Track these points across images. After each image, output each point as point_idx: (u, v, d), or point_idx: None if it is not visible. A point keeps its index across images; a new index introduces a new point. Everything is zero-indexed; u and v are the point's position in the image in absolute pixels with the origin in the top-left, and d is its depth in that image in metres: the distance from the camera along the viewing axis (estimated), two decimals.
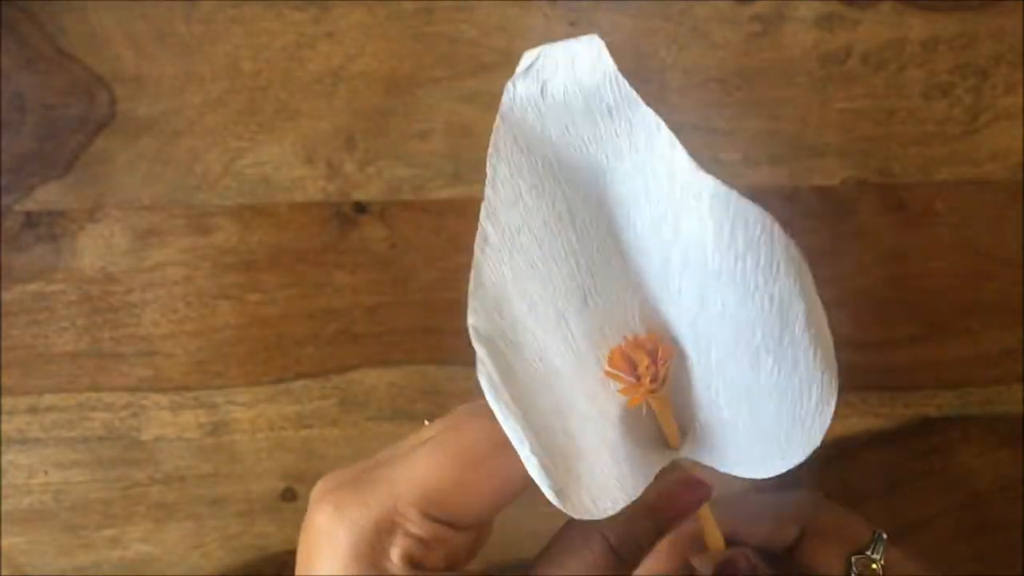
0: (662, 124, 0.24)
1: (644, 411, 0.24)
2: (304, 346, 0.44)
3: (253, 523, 0.44)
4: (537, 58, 0.24)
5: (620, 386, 0.24)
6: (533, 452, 0.22)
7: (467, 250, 0.43)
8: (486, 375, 0.22)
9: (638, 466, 0.24)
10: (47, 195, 0.43)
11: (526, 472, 0.23)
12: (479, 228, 0.24)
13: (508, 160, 0.25)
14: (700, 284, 0.23)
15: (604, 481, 0.23)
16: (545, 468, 0.22)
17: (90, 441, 0.43)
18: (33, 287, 0.43)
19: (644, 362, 0.23)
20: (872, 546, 0.28)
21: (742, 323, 0.23)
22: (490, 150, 0.25)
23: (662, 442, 0.25)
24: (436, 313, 0.44)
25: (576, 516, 0.23)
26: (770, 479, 0.23)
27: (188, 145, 0.43)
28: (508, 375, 0.22)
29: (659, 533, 0.24)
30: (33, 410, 0.43)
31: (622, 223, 0.25)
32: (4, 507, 0.43)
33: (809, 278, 0.23)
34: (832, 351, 0.25)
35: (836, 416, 0.44)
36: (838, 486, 0.44)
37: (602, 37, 0.43)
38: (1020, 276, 0.44)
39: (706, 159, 0.43)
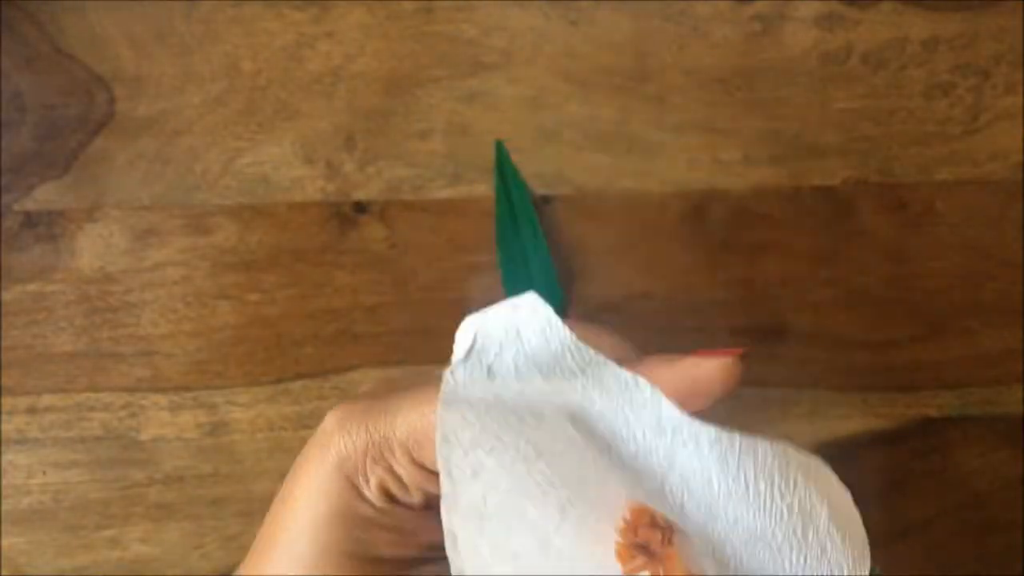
0: (640, 380, 0.22)
1: None
2: (304, 346, 0.44)
3: (253, 524, 0.44)
4: (474, 340, 0.22)
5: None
6: None
7: (467, 250, 0.44)
8: None
9: None
10: (46, 195, 0.43)
11: None
12: (445, 529, 0.20)
13: (459, 443, 0.21)
14: (707, 504, 0.22)
15: None
16: None
17: (89, 441, 0.43)
18: (32, 287, 0.43)
19: (657, 539, 0.21)
20: None
21: (760, 529, 0.22)
22: (437, 440, 0.21)
23: None
24: (436, 313, 0.44)
25: None
26: None
27: (187, 145, 0.43)
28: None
29: None
30: (32, 410, 0.43)
31: (601, 450, 0.22)
32: (3, 507, 0.43)
33: (829, 475, 0.23)
34: (861, 529, 0.23)
35: (836, 416, 0.44)
36: None
37: (602, 36, 0.43)
38: (1021, 276, 0.44)
39: (706, 159, 0.44)
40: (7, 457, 0.43)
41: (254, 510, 0.44)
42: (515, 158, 0.44)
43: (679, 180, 0.44)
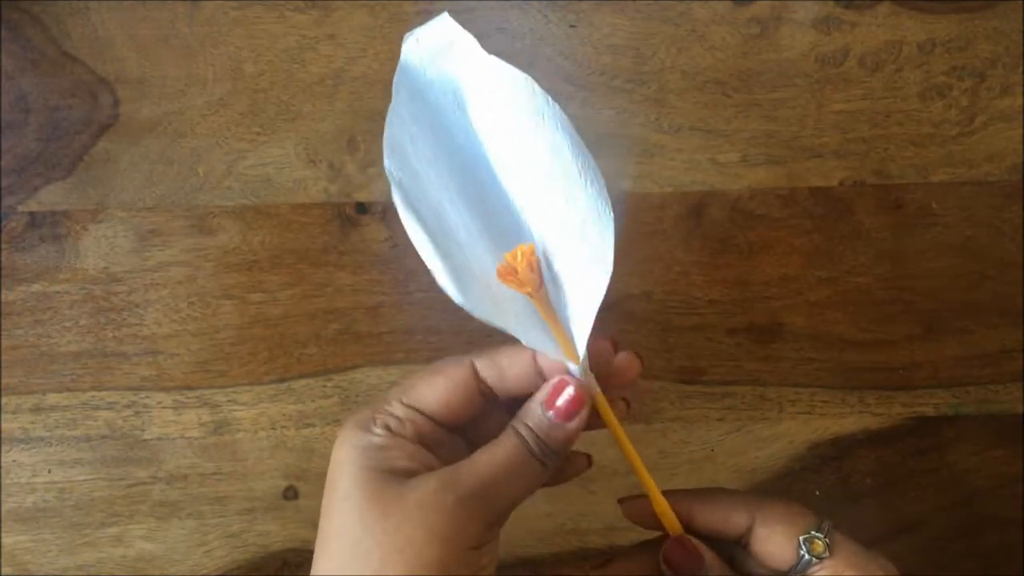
0: (470, 42, 0.31)
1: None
2: (306, 346, 0.44)
3: (255, 521, 0.44)
4: (423, 33, 0.31)
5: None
6: (436, 253, 0.28)
7: None
8: (399, 196, 0.29)
9: (538, 326, 0.29)
10: (51, 196, 0.43)
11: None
12: (391, 105, 0.30)
13: (409, 87, 0.30)
14: (517, 159, 0.30)
15: (502, 304, 0.29)
16: (438, 254, 0.28)
17: (93, 440, 0.44)
18: (37, 287, 0.44)
19: (520, 264, 0.28)
20: (819, 528, 0.30)
21: (542, 172, 0.30)
22: (397, 74, 0.30)
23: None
24: (436, 313, 0.44)
25: (476, 314, 0.28)
26: None
27: (191, 146, 0.44)
28: (417, 204, 0.29)
29: (563, 431, 0.29)
30: (37, 409, 0.44)
31: (486, 138, 0.31)
32: (8, 505, 0.44)
33: (568, 124, 0.30)
34: (603, 184, 0.29)
35: (833, 415, 0.44)
36: (835, 484, 0.45)
37: (601, 38, 0.44)
38: (1016, 276, 0.44)
39: (704, 160, 0.44)
40: (12, 456, 0.44)
41: (256, 508, 0.44)
42: None
43: (677, 181, 0.44)
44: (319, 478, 0.44)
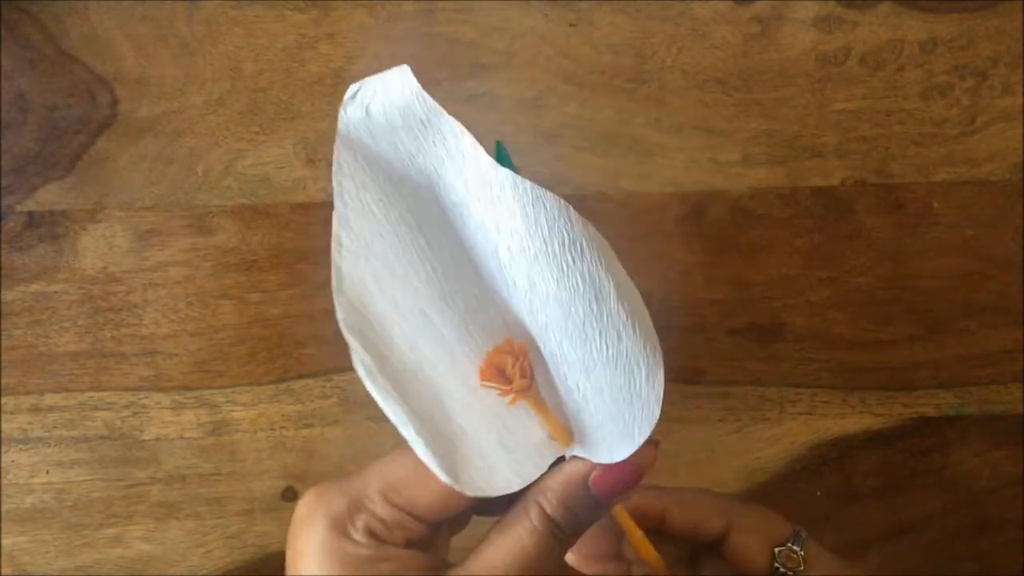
0: (463, 130, 0.27)
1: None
2: (305, 346, 0.44)
3: (254, 522, 0.44)
4: (359, 87, 0.28)
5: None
6: (418, 433, 0.24)
7: None
8: (359, 361, 0.25)
9: (531, 455, 0.26)
10: (49, 195, 0.43)
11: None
12: (334, 234, 0.26)
13: (352, 176, 0.28)
14: (526, 273, 0.26)
15: (495, 463, 0.25)
16: (431, 448, 0.24)
17: (92, 440, 0.44)
18: (35, 287, 0.43)
19: (509, 364, 0.26)
20: (794, 540, 0.30)
21: (565, 303, 0.26)
22: (334, 167, 0.28)
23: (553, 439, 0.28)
24: None
25: (470, 493, 0.25)
26: None
27: (189, 146, 0.44)
28: (382, 362, 0.25)
29: (598, 506, 0.26)
30: (35, 409, 0.44)
31: (460, 228, 0.27)
32: (6, 506, 0.44)
33: (613, 256, 0.26)
34: (651, 326, 0.26)
35: (834, 415, 0.44)
36: (836, 485, 0.45)
37: (601, 38, 0.43)
38: (1017, 276, 0.44)
39: (705, 159, 0.44)
40: (10, 456, 0.44)
41: (255, 508, 0.44)
42: (515, 159, 0.44)
43: (678, 180, 0.44)
44: (319, 478, 0.44)
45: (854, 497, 0.45)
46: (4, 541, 0.44)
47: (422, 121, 0.27)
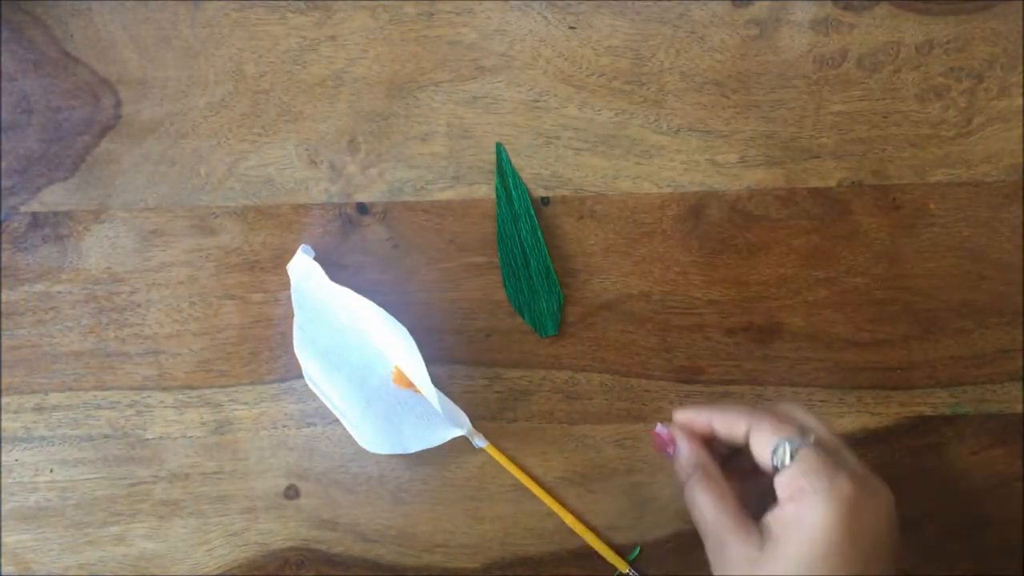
0: (339, 287, 0.42)
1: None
2: None
3: (256, 520, 0.44)
4: (294, 260, 0.43)
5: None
6: (343, 415, 0.43)
7: (468, 250, 0.44)
8: (308, 378, 0.43)
9: (425, 425, 0.43)
10: (53, 196, 0.44)
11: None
12: (295, 324, 0.43)
13: (300, 304, 0.43)
14: (379, 342, 0.44)
15: (402, 431, 0.43)
16: (353, 426, 0.43)
17: (95, 439, 0.44)
18: (39, 287, 0.44)
19: (402, 377, 0.43)
20: (795, 439, 0.34)
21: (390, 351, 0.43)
22: (292, 292, 0.44)
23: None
24: (437, 313, 0.44)
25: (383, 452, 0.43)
26: None
27: (192, 147, 0.44)
28: (327, 384, 0.43)
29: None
30: (39, 409, 0.44)
31: (357, 323, 0.43)
32: (10, 504, 0.44)
33: (381, 312, 0.41)
34: (405, 330, 0.41)
35: (831, 414, 0.44)
36: None
37: (600, 40, 0.44)
38: (1014, 276, 0.44)
39: (703, 160, 0.44)
40: (14, 455, 0.44)
41: (258, 507, 0.44)
42: (515, 160, 0.44)
43: (676, 181, 0.44)
44: (320, 477, 0.44)
45: None
46: (8, 539, 0.44)
47: (319, 281, 0.43)
